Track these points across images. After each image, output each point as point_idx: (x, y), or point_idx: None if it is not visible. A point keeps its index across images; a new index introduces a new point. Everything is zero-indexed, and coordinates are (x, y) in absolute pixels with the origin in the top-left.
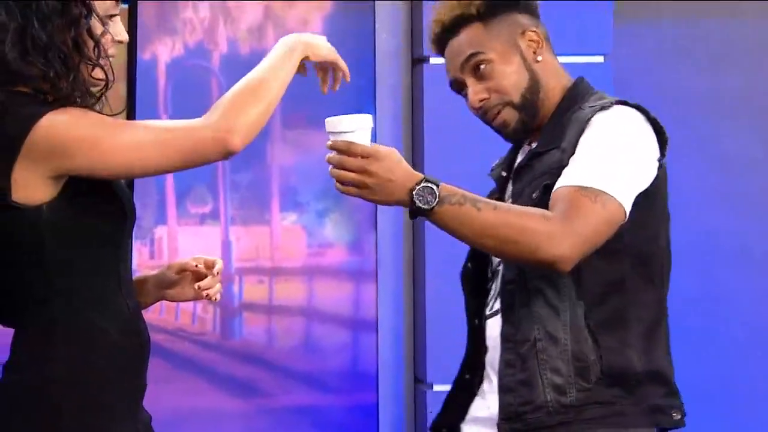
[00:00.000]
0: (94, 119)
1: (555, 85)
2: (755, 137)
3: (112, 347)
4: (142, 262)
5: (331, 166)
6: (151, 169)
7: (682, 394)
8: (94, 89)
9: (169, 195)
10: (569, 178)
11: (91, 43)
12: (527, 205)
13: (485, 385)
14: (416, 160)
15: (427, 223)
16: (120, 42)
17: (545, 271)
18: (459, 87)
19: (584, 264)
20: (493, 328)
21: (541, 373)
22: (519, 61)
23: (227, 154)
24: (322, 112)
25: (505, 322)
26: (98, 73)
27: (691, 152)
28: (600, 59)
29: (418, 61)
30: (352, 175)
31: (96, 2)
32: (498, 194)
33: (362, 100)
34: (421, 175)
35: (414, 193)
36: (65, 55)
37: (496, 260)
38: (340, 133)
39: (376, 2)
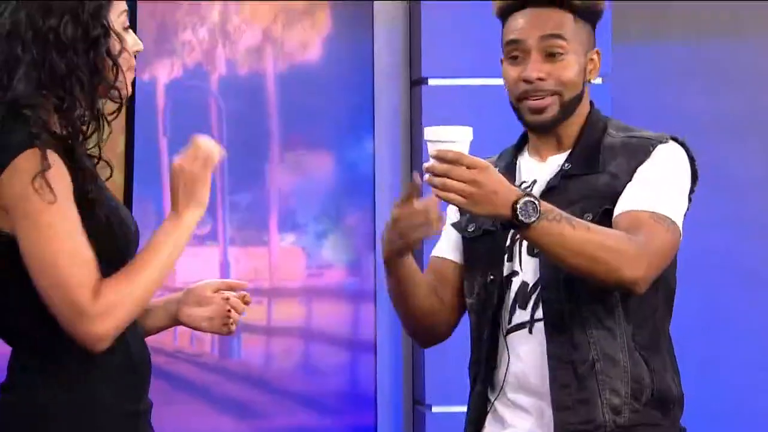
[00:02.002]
0: (48, 199)
1: (584, 111)
2: (757, 158)
3: (108, 372)
4: None
5: (430, 175)
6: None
7: (685, 414)
8: (108, 109)
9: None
10: (638, 203)
11: (109, 63)
12: None
13: (509, 398)
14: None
15: (425, 242)
16: (138, 51)
17: (617, 291)
18: (516, 50)
19: None
20: (520, 342)
21: (601, 393)
22: (582, 70)
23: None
24: (321, 133)
25: (552, 341)
26: (115, 93)
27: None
28: (599, 80)
29: (416, 83)
30: (459, 184)
31: (112, 17)
32: None
33: (361, 121)
34: (521, 191)
35: (518, 206)
36: (83, 82)
37: (517, 274)
38: (443, 142)
39: (375, 23)
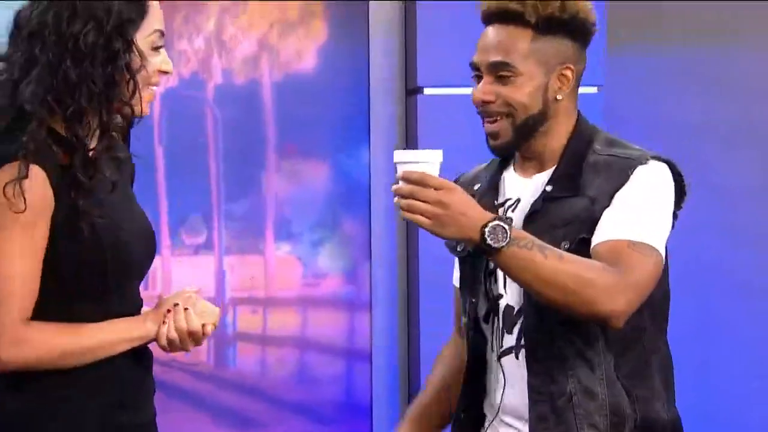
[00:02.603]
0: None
1: (562, 127)
2: (751, 166)
3: (85, 385)
4: None
5: (398, 197)
6: None
7: (681, 425)
8: (119, 124)
9: (163, 225)
10: (616, 231)
11: (126, 78)
12: None
13: (504, 421)
14: None
15: (421, 252)
16: (165, 72)
17: (592, 322)
18: (476, 68)
19: None
20: (511, 367)
21: (579, 427)
22: (541, 88)
23: None
24: (316, 142)
25: (531, 371)
26: (128, 109)
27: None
28: (593, 90)
29: (412, 92)
30: (424, 206)
31: (139, 36)
32: None
33: (356, 130)
34: (492, 214)
35: (486, 230)
36: (94, 94)
37: (502, 297)
38: (411, 163)
39: (371, 32)
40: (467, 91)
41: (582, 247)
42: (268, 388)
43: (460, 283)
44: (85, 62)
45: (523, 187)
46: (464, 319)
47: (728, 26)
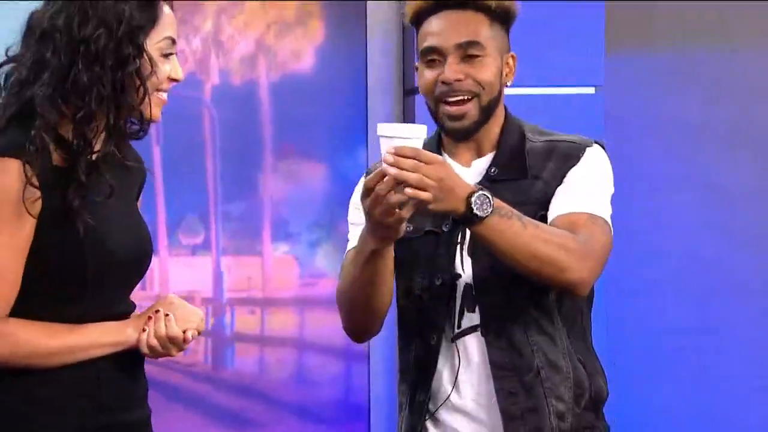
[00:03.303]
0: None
1: (500, 115)
2: (749, 168)
3: (64, 384)
4: (133, 294)
5: (395, 170)
6: None
7: (677, 424)
8: (131, 129)
9: (161, 225)
10: (573, 205)
11: (136, 84)
12: None
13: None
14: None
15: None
16: (174, 80)
17: (560, 291)
18: (433, 55)
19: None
20: (472, 346)
21: (548, 401)
22: (498, 72)
23: None
24: (314, 143)
25: (493, 348)
26: (137, 114)
27: (684, 183)
28: (591, 90)
29: (409, 92)
30: (427, 180)
31: (150, 42)
32: None
33: (354, 130)
34: (473, 185)
35: (472, 200)
36: (103, 98)
37: (460, 276)
38: (396, 138)
39: (368, 33)
40: None
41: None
42: (266, 388)
43: (404, 264)
44: (96, 66)
45: (465, 175)
46: (405, 302)
47: (727, 26)
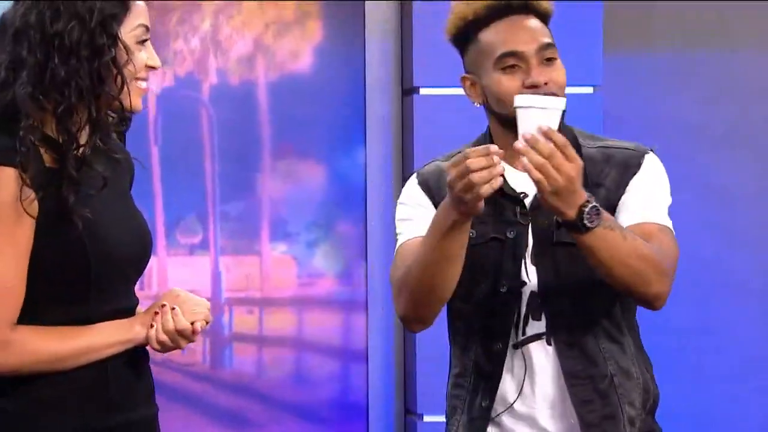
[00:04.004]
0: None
1: None
2: (748, 169)
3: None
4: None
5: (529, 148)
6: None
7: (676, 425)
8: (112, 119)
9: (159, 225)
10: (643, 215)
11: (113, 73)
12: (574, 242)
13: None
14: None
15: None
16: (152, 67)
17: (637, 304)
18: (513, 60)
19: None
20: (538, 354)
21: (622, 408)
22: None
23: None
24: (312, 143)
25: (565, 357)
26: (118, 105)
27: (684, 184)
28: (590, 90)
29: (408, 92)
30: (555, 173)
31: (123, 30)
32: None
33: (352, 130)
34: (587, 193)
35: (585, 210)
36: (82, 90)
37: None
38: (533, 109)
39: (367, 33)
40: (463, 91)
41: None
42: (264, 388)
43: (468, 269)
44: (72, 59)
45: (524, 180)
46: (465, 306)
47: (725, 26)
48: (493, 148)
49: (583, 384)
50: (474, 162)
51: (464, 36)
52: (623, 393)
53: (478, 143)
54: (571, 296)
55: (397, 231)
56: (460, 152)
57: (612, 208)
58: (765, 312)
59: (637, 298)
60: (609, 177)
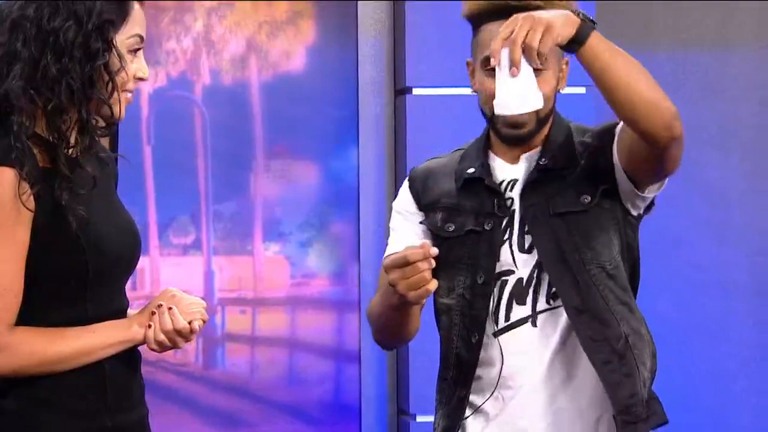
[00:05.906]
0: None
1: (552, 117)
2: (740, 168)
3: (75, 387)
4: None
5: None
6: None
7: (672, 424)
8: (99, 125)
9: (152, 225)
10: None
11: (105, 78)
12: (573, 210)
13: (501, 396)
14: (399, 189)
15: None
16: (140, 79)
17: (655, 143)
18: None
19: (632, 263)
20: (518, 339)
21: (638, 367)
22: (557, 81)
23: None
24: (305, 143)
25: (578, 324)
26: (107, 110)
27: (677, 183)
28: (582, 90)
29: (400, 92)
30: (527, 21)
31: (119, 37)
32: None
33: (345, 130)
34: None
35: (577, 11)
36: (73, 91)
37: (513, 272)
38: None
39: (360, 33)
40: (456, 91)
41: (604, 198)
42: (257, 388)
43: (446, 264)
44: (64, 58)
45: (516, 170)
46: (446, 301)
47: (719, 30)
48: (433, 251)
49: (600, 346)
50: (408, 270)
51: (472, 23)
52: (638, 353)
53: (478, 143)
54: (574, 266)
55: (388, 240)
56: (459, 149)
57: (606, 169)
58: (756, 310)
59: (650, 128)
60: (591, 134)
